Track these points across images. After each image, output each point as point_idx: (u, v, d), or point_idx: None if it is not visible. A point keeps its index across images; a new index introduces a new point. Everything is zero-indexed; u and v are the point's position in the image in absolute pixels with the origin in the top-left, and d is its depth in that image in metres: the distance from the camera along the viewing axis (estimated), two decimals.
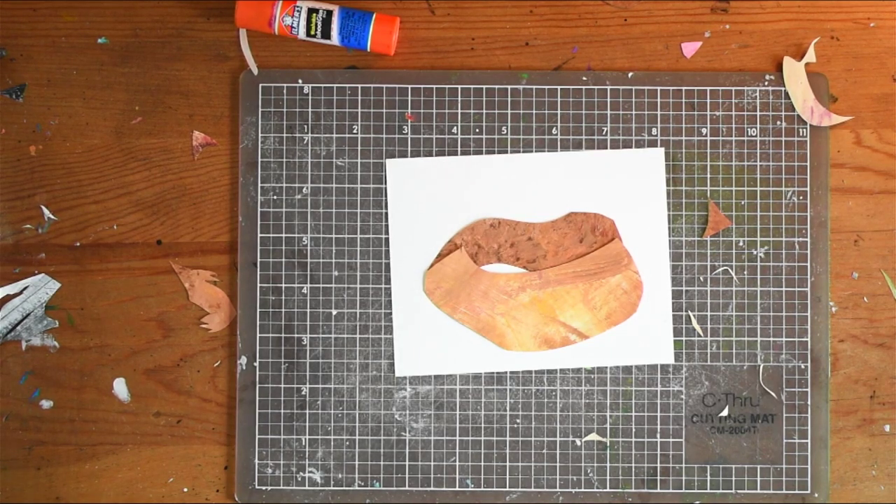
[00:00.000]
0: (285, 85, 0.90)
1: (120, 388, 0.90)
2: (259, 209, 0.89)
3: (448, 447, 0.89)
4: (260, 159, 0.90)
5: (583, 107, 0.89)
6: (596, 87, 0.89)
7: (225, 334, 0.90)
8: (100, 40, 0.91)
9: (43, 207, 0.90)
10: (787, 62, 0.89)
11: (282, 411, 0.89)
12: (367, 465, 0.89)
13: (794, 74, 0.89)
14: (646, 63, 0.90)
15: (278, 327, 0.89)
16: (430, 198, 0.89)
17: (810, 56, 0.89)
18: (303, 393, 0.89)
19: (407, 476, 0.89)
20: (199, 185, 0.90)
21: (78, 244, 0.90)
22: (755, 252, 0.89)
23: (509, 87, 0.90)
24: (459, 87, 0.90)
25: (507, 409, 0.89)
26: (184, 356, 0.90)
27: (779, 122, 0.89)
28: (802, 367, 0.89)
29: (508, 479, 0.89)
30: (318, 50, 0.91)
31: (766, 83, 0.89)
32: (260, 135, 0.90)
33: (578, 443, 0.89)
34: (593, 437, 0.89)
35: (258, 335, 0.89)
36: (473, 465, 0.89)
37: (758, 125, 0.89)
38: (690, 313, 0.89)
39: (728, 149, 0.89)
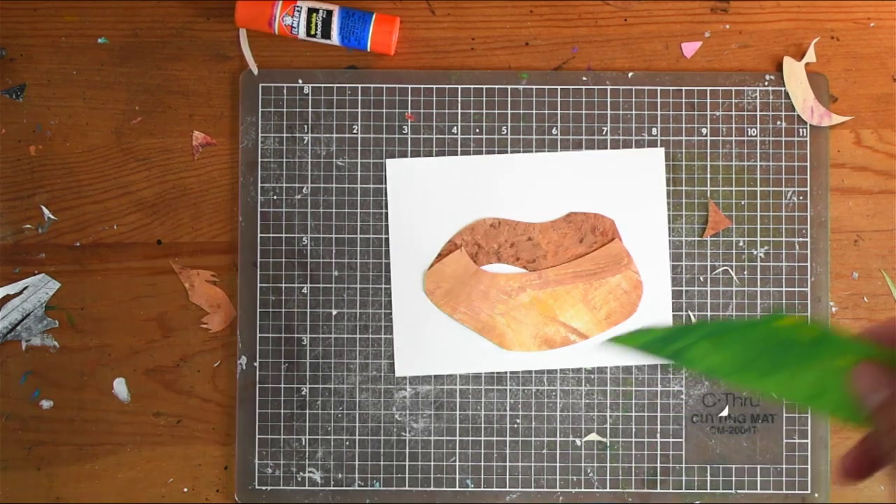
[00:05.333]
0: (285, 85, 0.90)
1: (120, 388, 0.90)
2: (259, 209, 0.89)
3: (448, 447, 0.89)
4: (260, 159, 0.90)
5: (583, 107, 0.89)
6: (596, 87, 0.89)
7: (225, 334, 0.90)
8: (100, 40, 0.91)
9: (43, 207, 0.90)
10: (787, 62, 0.89)
11: (282, 411, 0.89)
12: (367, 465, 0.89)
13: (794, 74, 0.89)
14: (646, 63, 0.90)
15: (278, 327, 0.89)
16: (430, 198, 0.89)
17: (810, 56, 0.89)
18: (303, 393, 0.89)
19: (407, 476, 0.89)
20: (199, 185, 0.90)
21: (78, 244, 0.90)
22: (755, 252, 0.89)
23: (509, 87, 0.90)
24: (459, 87, 0.90)
25: (507, 409, 0.89)
26: (184, 356, 0.90)
27: (779, 122, 0.89)
28: None
29: (508, 479, 0.89)
30: (318, 50, 0.91)
31: (766, 83, 0.89)
32: (260, 135, 0.90)
33: (578, 443, 0.89)
34: (593, 437, 0.89)
35: (258, 335, 0.89)
36: (473, 465, 0.89)
37: (758, 125, 0.89)
38: (690, 313, 0.89)
39: (728, 149, 0.89)
